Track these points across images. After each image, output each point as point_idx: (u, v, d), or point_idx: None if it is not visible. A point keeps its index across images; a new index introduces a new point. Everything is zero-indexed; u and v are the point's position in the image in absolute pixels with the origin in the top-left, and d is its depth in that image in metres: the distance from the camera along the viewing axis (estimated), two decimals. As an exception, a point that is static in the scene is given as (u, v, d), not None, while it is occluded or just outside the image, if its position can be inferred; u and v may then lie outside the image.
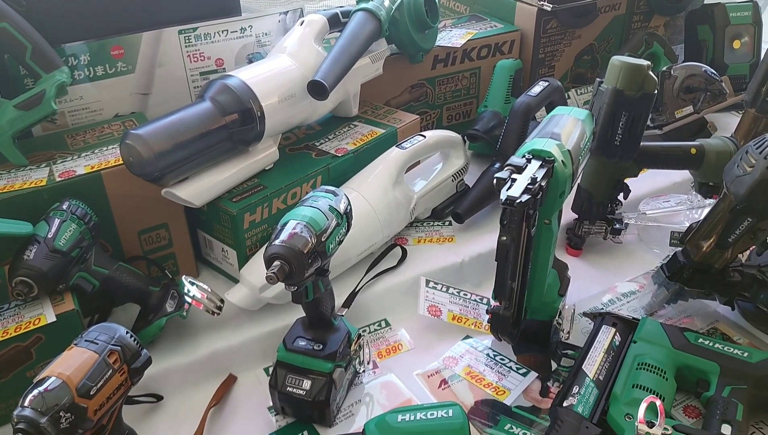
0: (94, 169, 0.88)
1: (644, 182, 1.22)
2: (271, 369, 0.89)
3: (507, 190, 0.71)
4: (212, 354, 0.89)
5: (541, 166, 0.76)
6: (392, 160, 1.03)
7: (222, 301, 0.88)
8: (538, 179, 0.73)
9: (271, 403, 0.85)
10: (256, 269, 0.92)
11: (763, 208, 0.82)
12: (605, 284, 1.05)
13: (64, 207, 0.82)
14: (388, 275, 1.03)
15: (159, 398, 0.86)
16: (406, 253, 1.06)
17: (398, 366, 0.92)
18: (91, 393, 0.56)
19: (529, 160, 0.77)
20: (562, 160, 0.78)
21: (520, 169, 0.75)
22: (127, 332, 0.62)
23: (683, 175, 1.23)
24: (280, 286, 0.90)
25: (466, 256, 1.06)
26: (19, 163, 0.89)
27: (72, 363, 0.57)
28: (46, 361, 0.76)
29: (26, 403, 0.54)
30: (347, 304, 0.96)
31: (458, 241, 1.09)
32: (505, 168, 0.76)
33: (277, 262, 0.70)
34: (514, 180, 0.73)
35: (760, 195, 0.80)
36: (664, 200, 1.17)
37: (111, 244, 0.92)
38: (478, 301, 1.00)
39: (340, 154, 1.05)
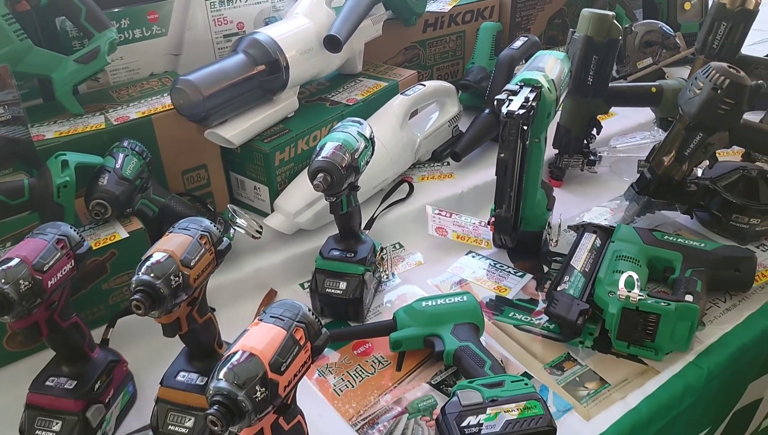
0: (144, 115, 1.00)
1: (614, 123, 1.40)
2: (306, 283, 1.04)
3: (507, 107, 0.87)
4: (255, 272, 1.03)
5: (531, 91, 0.92)
6: (398, 106, 1.19)
7: (261, 226, 1.02)
8: (531, 99, 0.89)
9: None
10: (290, 198, 1.06)
11: (710, 123, 0.99)
12: (584, 208, 1.22)
13: (125, 144, 0.95)
14: (398, 206, 1.18)
15: (213, 310, 0.99)
16: (413, 188, 1.21)
17: (414, 277, 1.07)
18: (191, 264, 0.68)
19: (521, 87, 0.93)
20: (547, 87, 0.94)
21: (514, 93, 0.91)
22: (211, 223, 0.75)
23: (646, 116, 1.41)
24: (311, 212, 1.06)
25: (464, 189, 1.22)
26: (77, 112, 1.01)
27: (173, 243, 0.69)
28: (120, 274, 0.91)
29: (141, 271, 0.65)
30: (368, 226, 1.11)
31: (457, 177, 1.25)
32: (503, 92, 0.91)
33: (321, 174, 0.85)
34: (511, 100, 0.89)
35: (707, 111, 0.98)
36: (631, 136, 1.34)
37: (159, 182, 1.04)
38: (477, 223, 1.15)
39: (351, 103, 1.20)
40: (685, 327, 0.86)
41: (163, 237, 0.72)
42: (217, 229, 0.99)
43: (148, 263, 0.68)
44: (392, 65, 1.41)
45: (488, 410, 0.70)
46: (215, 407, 0.54)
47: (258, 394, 0.55)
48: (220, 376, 0.55)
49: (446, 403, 0.72)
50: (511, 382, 0.74)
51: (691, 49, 1.47)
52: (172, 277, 0.67)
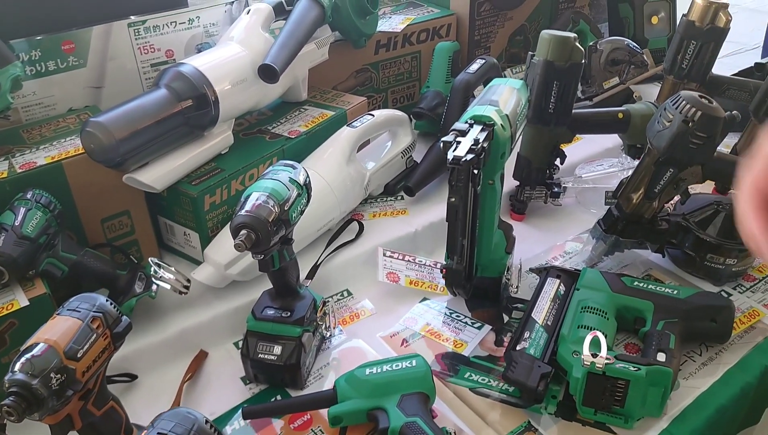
0: (54, 160, 0.89)
1: (579, 149, 1.32)
2: (240, 342, 0.94)
3: (453, 151, 0.77)
4: (182, 331, 0.92)
5: (482, 130, 0.82)
6: (344, 139, 1.09)
7: (188, 280, 0.92)
8: (481, 141, 0.80)
9: (244, 373, 0.89)
10: (220, 248, 0.95)
11: (681, 157, 0.91)
12: (548, 244, 1.13)
13: (28, 196, 0.84)
14: (347, 248, 1.08)
15: (134, 377, 0.89)
16: (363, 227, 1.11)
17: (362, 330, 0.97)
18: (78, 356, 0.59)
19: (471, 125, 0.83)
20: (501, 124, 0.85)
21: (463, 133, 0.81)
22: (107, 300, 0.64)
23: (614, 141, 1.33)
24: (245, 263, 0.95)
25: (419, 226, 1.12)
26: (-25, 158, 0.90)
27: (57, 329, 0.59)
28: (19, 348, 0.80)
29: (17, 368, 0.56)
30: (310, 275, 1.01)
31: (411, 213, 1.16)
32: (450, 132, 0.82)
33: (243, 231, 0.75)
34: (459, 142, 0.79)
35: (678, 146, 0.89)
36: (597, 164, 1.26)
37: (75, 233, 0.93)
38: (433, 266, 1.06)
39: (293, 136, 1.10)
40: (658, 392, 0.78)
41: (48, 321, 0.62)
42: (139, 285, 0.90)
43: (26, 357, 0.58)
44: (342, 90, 1.31)
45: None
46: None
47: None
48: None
49: None
50: None
51: (660, 66, 1.40)
52: (52, 375, 0.57)
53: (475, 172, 0.79)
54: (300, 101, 1.21)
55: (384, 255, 1.04)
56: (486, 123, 0.83)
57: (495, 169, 0.86)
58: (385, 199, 1.19)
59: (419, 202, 1.18)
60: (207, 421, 0.54)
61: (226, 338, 0.95)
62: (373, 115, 1.13)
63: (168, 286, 0.89)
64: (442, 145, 0.80)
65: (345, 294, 1.04)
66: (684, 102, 0.89)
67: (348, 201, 1.09)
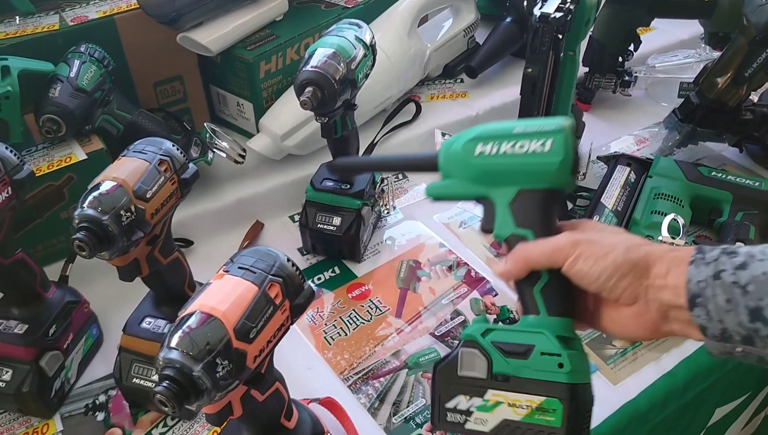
0: (106, 15, 0.85)
1: (652, 40, 1.23)
2: (296, 216, 0.92)
3: (540, 9, 0.71)
4: (238, 201, 0.91)
5: (569, -6, 0.76)
6: (405, 9, 1.02)
7: (244, 150, 0.89)
8: (568, 1, 0.73)
9: (300, 245, 0.87)
10: (276, 118, 0.92)
11: (782, 36, 0.83)
12: (614, 136, 1.08)
13: (82, 49, 0.81)
14: (403, 129, 1.04)
15: (190, 243, 0.88)
16: (421, 108, 1.06)
17: (418, 212, 0.94)
18: (147, 196, 0.56)
19: (553, -13, 0.77)
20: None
21: (549, -8, 0.75)
22: (173, 145, 0.62)
23: (690, 32, 1.24)
24: (301, 135, 0.92)
25: (480, 110, 1.07)
26: (26, 9, 0.86)
27: (125, 169, 0.57)
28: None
29: (86, 205, 0.54)
30: (368, 152, 0.97)
31: (471, 97, 1.10)
32: (535, -9, 0.75)
33: (309, 88, 0.71)
34: (545, 1, 0.73)
35: (781, 22, 0.81)
36: (672, 54, 1.18)
37: (127, 96, 0.90)
38: (493, 151, 1.01)
39: (350, 6, 1.03)
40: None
41: (114, 161, 0.59)
42: (194, 150, 0.87)
43: (94, 194, 0.55)
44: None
45: (488, 395, 0.47)
46: (165, 383, 0.42)
47: (219, 368, 0.43)
48: (173, 343, 0.43)
49: (442, 360, 0.49)
50: (541, 353, 0.46)
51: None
52: (122, 213, 0.55)
53: (560, 36, 0.73)
54: (358, -29, 1.13)
55: (442, 136, 1.00)
56: (571, -16, 0.77)
57: (578, 37, 0.79)
58: (444, 80, 1.13)
59: (480, 85, 1.12)
60: (288, 259, 0.51)
61: (282, 211, 0.93)
62: (437, -13, 1.06)
63: (223, 154, 0.87)
64: (526, 2, 0.73)
65: (400, 176, 1.01)
66: (792, -27, 0.81)
67: (407, 78, 1.04)
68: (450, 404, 0.48)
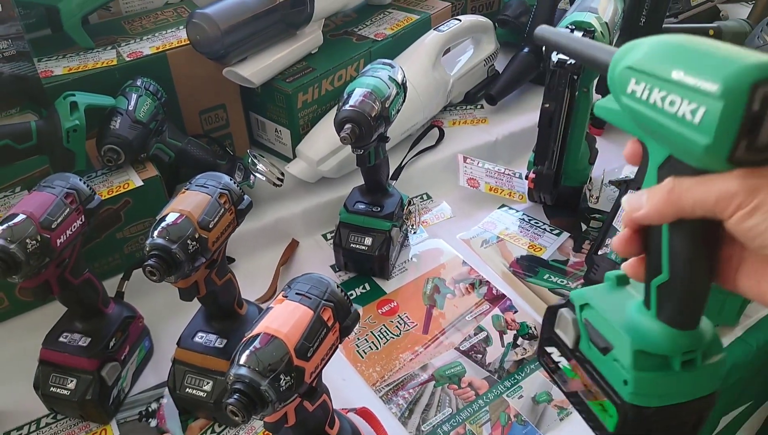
0: (159, 50, 0.93)
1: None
2: (329, 234, 0.99)
3: (557, 55, 0.78)
4: (276, 221, 0.98)
5: (583, 36, 0.82)
6: (431, 43, 1.09)
7: (282, 174, 0.96)
8: (583, 46, 0.80)
9: (333, 262, 0.95)
10: (312, 145, 0.99)
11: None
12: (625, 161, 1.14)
13: (138, 83, 0.88)
14: (427, 153, 1.11)
15: (232, 260, 0.95)
16: (444, 133, 1.14)
17: (442, 232, 1.01)
18: (210, 226, 0.64)
19: (572, 30, 0.83)
20: (600, 31, 0.85)
21: (566, 38, 0.81)
22: (231, 179, 0.69)
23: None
24: (335, 160, 0.99)
25: (499, 135, 1.14)
26: (86, 45, 0.94)
27: (190, 202, 0.64)
28: (135, 223, 0.87)
29: (155, 234, 0.61)
30: (395, 176, 1.05)
31: (491, 123, 1.17)
32: (553, 37, 0.82)
33: (348, 125, 0.78)
34: (562, 46, 0.80)
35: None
36: (681, 82, 1.24)
37: (175, 123, 0.98)
38: (512, 174, 1.08)
39: (379, 39, 1.11)
40: (736, 302, 0.80)
41: (178, 194, 0.67)
42: (238, 175, 0.95)
43: (163, 225, 0.62)
44: (424, -4, 1.30)
45: (571, 363, 0.48)
46: (236, 396, 0.49)
47: (282, 382, 0.50)
48: (242, 361, 0.50)
49: (560, 304, 0.48)
50: (614, 360, 0.42)
51: (754, -17, 1.34)
52: (189, 241, 0.62)
53: (575, 77, 0.80)
54: (384, 4, 1.21)
55: (464, 161, 1.07)
56: (587, 29, 0.83)
57: (591, 76, 0.86)
58: (465, 107, 1.21)
59: (500, 112, 1.19)
60: (338, 286, 0.58)
61: (316, 230, 1.01)
62: (459, 20, 1.13)
63: (264, 178, 0.94)
64: (544, 48, 0.80)
65: (425, 197, 1.08)
66: (791, 16, 0.86)
67: (431, 106, 1.11)
68: (548, 349, 0.49)
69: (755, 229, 0.33)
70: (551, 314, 0.48)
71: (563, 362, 0.48)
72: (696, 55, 0.34)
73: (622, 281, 0.45)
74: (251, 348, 0.51)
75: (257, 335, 0.52)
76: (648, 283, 0.40)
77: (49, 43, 0.96)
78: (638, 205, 0.38)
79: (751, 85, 0.31)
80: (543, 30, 0.49)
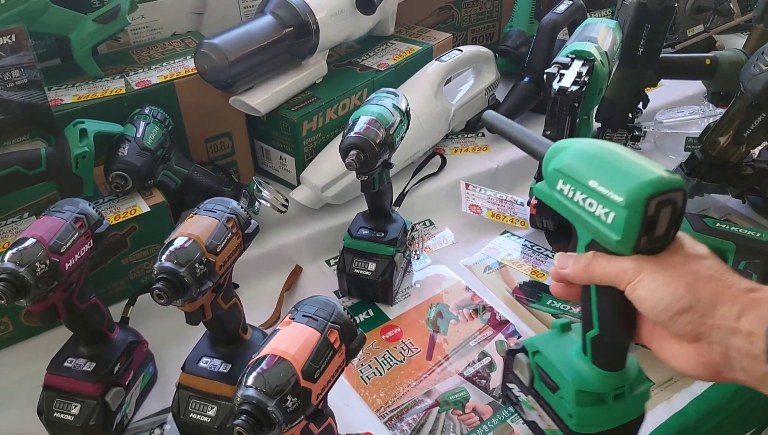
0: (167, 79, 0.95)
1: (659, 96, 1.32)
2: (332, 260, 1.00)
3: (558, 82, 0.80)
4: (280, 247, 0.99)
5: (583, 64, 0.85)
6: (433, 72, 1.11)
7: (287, 200, 0.97)
8: (583, 74, 0.82)
9: (336, 287, 0.95)
10: (316, 172, 1.01)
11: (776, 102, 0.90)
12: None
13: (146, 111, 0.90)
14: (430, 180, 1.12)
15: (236, 286, 0.96)
16: (446, 161, 1.15)
17: (444, 257, 1.02)
18: (218, 250, 0.64)
19: (572, 59, 0.85)
20: (600, 60, 0.87)
21: (566, 66, 0.84)
22: (238, 203, 0.70)
23: (694, 89, 1.33)
24: (339, 186, 1.00)
25: (500, 163, 1.15)
26: (95, 74, 0.96)
27: (197, 226, 0.65)
28: (140, 249, 0.88)
29: (164, 258, 0.62)
30: (397, 203, 1.06)
31: (492, 150, 1.19)
32: (552, 65, 0.84)
33: (353, 152, 0.79)
34: (562, 75, 0.82)
35: (775, 90, 0.88)
36: (678, 111, 1.26)
37: (181, 150, 0.99)
38: (513, 201, 1.09)
39: (382, 69, 1.13)
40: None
41: (186, 219, 0.68)
42: (243, 201, 0.96)
43: (171, 249, 0.63)
44: (425, 27, 1.32)
45: (528, 398, 0.61)
46: (243, 417, 0.49)
47: (289, 404, 0.50)
48: (249, 382, 0.50)
49: (516, 349, 0.62)
50: (561, 398, 0.55)
51: (747, 15, 1.37)
52: (196, 265, 0.63)
53: (576, 105, 0.82)
54: (387, 35, 1.23)
55: (466, 187, 1.08)
56: (587, 58, 0.85)
57: (592, 104, 0.88)
58: (466, 135, 1.22)
59: (501, 140, 1.18)
60: (345, 308, 0.59)
61: (320, 256, 1.01)
62: (461, 51, 1.16)
63: (268, 205, 0.95)
64: (545, 76, 0.82)
65: (427, 223, 1.09)
66: (784, 46, 0.88)
67: (433, 134, 1.13)
68: (509, 385, 0.62)
69: (639, 299, 0.43)
70: (510, 357, 0.59)
71: (522, 396, 0.60)
72: (608, 167, 0.45)
73: (566, 328, 0.57)
74: (259, 369, 0.51)
75: (265, 357, 0.52)
76: (584, 335, 0.51)
77: (59, 72, 0.98)
78: (565, 265, 0.50)
79: (647, 198, 0.42)
80: (490, 115, 0.62)
